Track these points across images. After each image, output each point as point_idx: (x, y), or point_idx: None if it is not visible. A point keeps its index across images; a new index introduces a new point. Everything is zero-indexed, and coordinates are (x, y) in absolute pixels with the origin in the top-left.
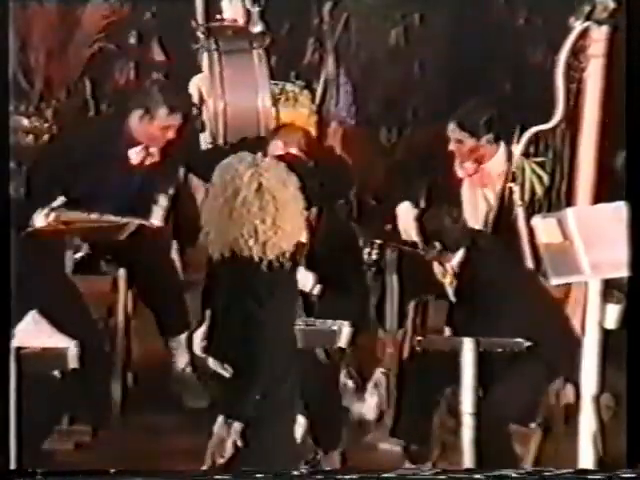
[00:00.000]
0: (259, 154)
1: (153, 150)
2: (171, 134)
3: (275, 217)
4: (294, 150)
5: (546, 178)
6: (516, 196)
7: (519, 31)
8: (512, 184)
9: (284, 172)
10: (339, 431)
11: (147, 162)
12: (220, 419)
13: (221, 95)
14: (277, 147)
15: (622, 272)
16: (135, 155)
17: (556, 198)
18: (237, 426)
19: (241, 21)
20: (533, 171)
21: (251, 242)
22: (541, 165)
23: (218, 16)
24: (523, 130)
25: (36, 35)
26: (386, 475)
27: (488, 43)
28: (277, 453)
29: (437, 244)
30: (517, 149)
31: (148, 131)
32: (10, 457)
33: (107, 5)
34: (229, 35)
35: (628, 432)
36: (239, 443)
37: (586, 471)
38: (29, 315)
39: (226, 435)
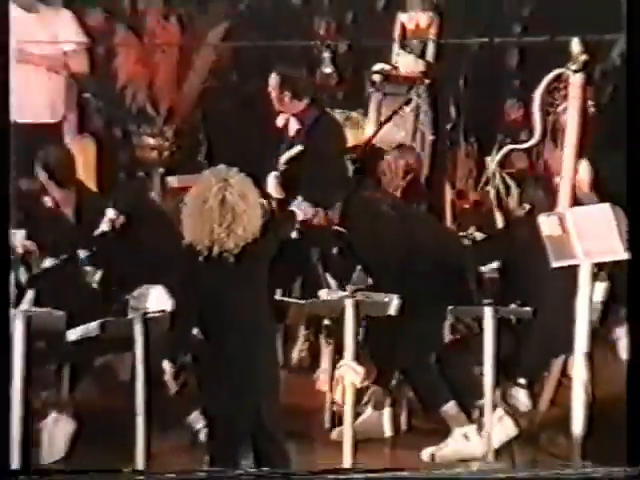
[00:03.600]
0: (234, 170)
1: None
2: None
3: (230, 223)
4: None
5: (514, 187)
6: (491, 195)
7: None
8: (487, 187)
9: (247, 188)
10: None
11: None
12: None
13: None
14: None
15: (607, 257)
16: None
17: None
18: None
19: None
20: (503, 180)
21: (206, 240)
22: (511, 175)
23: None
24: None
25: (162, 75)
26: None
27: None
28: None
29: None
30: (493, 161)
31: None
32: (10, 457)
33: (215, 50)
34: (397, 82)
35: (628, 432)
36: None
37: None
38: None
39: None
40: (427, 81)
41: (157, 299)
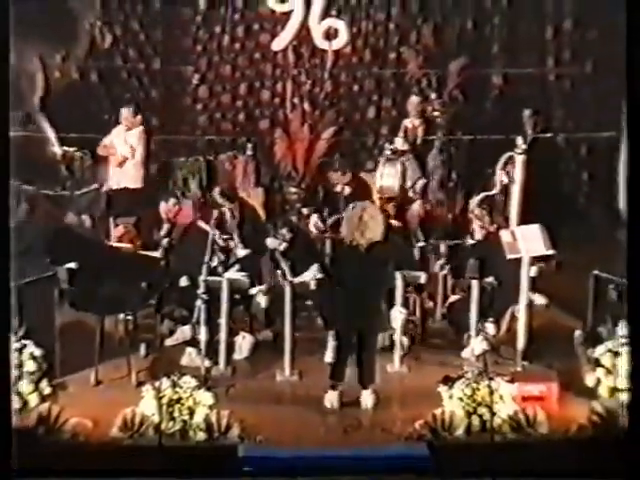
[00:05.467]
0: (367, 202)
1: None
2: None
3: (364, 231)
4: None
5: (487, 215)
6: (475, 221)
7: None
8: (471, 215)
9: (376, 213)
10: None
11: None
12: None
13: (380, 178)
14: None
15: (537, 253)
16: None
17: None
18: None
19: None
20: (480, 212)
21: (351, 238)
22: (484, 209)
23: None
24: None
25: (299, 155)
26: None
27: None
28: None
29: None
30: (474, 202)
31: None
32: (11, 457)
33: (327, 142)
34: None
35: (629, 436)
36: None
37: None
38: None
39: None
40: (413, 154)
41: (310, 272)
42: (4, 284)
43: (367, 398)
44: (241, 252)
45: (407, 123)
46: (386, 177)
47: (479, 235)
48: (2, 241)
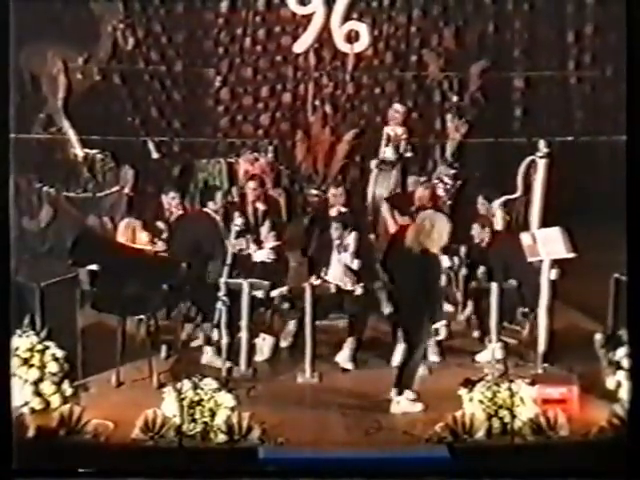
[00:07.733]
0: (435, 211)
1: None
2: None
3: (433, 237)
4: None
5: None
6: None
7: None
8: (492, 217)
9: (442, 221)
10: None
11: None
12: None
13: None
14: None
15: (558, 256)
16: None
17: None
18: None
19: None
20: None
21: (417, 244)
22: (506, 212)
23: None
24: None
25: (320, 157)
26: None
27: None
28: None
29: None
30: (496, 203)
31: None
32: (12, 457)
33: (348, 144)
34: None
35: (628, 444)
36: None
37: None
38: None
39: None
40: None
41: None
42: (5, 284)
43: (402, 403)
44: (271, 243)
45: (389, 131)
46: (379, 186)
47: (500, 237)
48: (2, 240)
